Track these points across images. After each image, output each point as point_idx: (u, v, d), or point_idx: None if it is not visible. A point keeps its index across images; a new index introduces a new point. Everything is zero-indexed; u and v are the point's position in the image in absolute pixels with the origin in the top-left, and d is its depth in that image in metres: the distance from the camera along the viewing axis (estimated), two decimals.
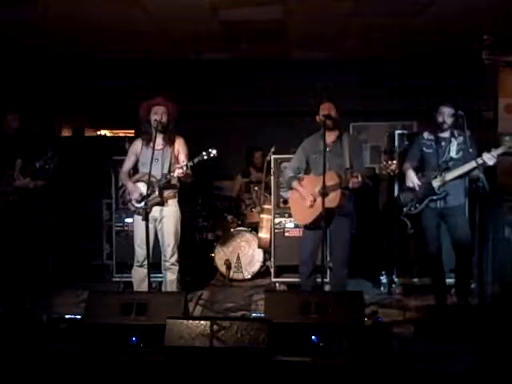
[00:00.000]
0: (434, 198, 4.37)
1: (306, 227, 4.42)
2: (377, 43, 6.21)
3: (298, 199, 4.42)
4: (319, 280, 4.20)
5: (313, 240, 4.33)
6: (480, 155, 4.15)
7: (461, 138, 4.35)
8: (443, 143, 4.40)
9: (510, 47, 5.47)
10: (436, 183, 4.35)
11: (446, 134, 4.41)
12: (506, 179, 4.86)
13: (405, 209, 4.53)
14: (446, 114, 4.30)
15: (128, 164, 4.59)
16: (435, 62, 6.73)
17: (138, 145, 4.54)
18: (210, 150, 4.21)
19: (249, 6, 5.00)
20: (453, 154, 4.37)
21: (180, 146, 4.52)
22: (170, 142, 4.46)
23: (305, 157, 4.44)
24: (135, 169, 4.63)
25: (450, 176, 4.31)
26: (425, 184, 4.40)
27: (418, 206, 4.44)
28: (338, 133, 4.34)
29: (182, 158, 4.49)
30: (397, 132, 5.21)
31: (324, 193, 4.02)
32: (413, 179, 4.44)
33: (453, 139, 4.38)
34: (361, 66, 6.88)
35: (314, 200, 4.25)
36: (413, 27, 5.57)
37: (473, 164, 4.15)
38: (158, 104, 4.44)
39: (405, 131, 5.27)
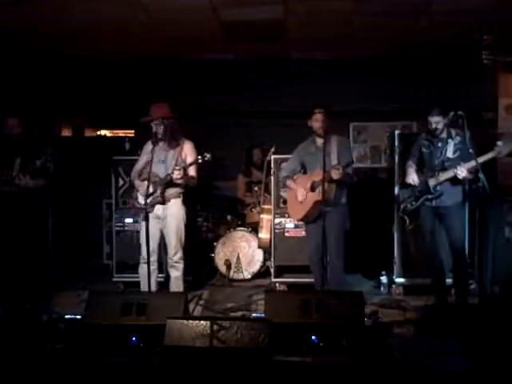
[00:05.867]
0: (429, 196, 4.43)
1: (307, 224, 4.60)
2: (377, 43, 6.21)
3: (292, 197, 4.67)
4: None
5: (315, 235, 4.45)
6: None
7: (458, 138, 4.36)
8: (440, 144, 4.43)
9: (510, 47, 5.47)
10: (432, 182, 4.40)
11: (442, 135, 4.42)
12: (505, 179, 4.86)
13: (402, 205, 4.64)
14: (435, 122, 4.33)
15: (140, 163, 4.68)
16: (435, 62, 6.72)
17: (149, 146, 4.61)
18: (204, 154, 4.32)
19: (249, 5, 5.01)
20: (449, 154, 4.39)
21: (188, 150, 4.60)
22: (174, 145, 4.54)
23: (299, 160, 4.71)
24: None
25: (444, 176, 4.34)
26: (422, 182, 4.47)
27: (414, 203, 4.52)
28: (326, 135, 4.46)
29: (189, 161, 4.55)
30: (397, 132, 5.23)
31: (313, 187, 4.39)
32: (413, 177, 4.51)
33: (449, 140, 4.40)
34: (361, 66, 6.87)
35: (307, 194, 4.49)
36: (413, 27, 5.57)
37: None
38: (151, 120, 4.50)
39: (405, 131, 5.28)
